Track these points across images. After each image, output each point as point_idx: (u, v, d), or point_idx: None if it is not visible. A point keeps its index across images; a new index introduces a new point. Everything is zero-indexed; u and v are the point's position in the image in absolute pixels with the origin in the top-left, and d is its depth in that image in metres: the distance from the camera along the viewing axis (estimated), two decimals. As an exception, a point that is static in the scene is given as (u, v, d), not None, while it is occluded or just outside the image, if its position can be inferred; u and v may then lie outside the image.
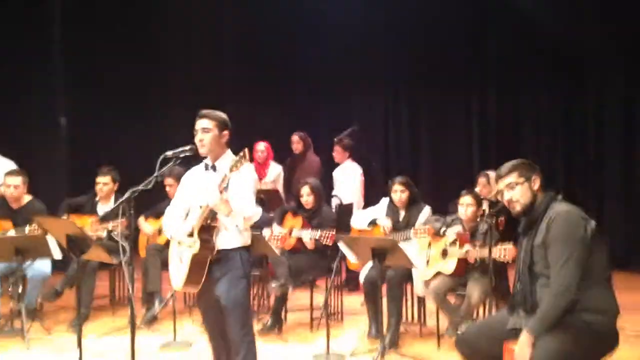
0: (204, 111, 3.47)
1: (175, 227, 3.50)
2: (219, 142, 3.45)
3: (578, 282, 2.82)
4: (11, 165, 6.37)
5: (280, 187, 6.99)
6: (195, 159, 3.52)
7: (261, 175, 7.05)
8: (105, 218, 3.74)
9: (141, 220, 5.74)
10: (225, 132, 3.48)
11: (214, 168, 3.46)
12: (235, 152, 3.35)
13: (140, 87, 8.51)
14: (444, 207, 5.47)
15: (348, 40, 8.33)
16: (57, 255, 5.02)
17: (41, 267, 5.32)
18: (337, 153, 6.83)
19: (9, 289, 5.14)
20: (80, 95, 8.29)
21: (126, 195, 3.21)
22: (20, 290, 4.95)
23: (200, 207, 3.35)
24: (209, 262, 3.38)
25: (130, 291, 3.24)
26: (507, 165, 3.14)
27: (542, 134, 7.84)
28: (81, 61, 8.29)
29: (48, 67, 8.08)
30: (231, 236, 3.40)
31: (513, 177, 3.07)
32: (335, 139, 6.68)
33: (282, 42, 8.52)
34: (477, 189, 5.50)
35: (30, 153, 7.75)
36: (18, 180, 5.47)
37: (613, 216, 7.34)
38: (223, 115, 3.50)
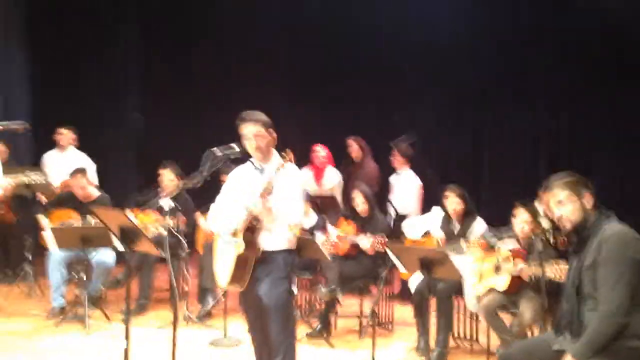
0: (244, 115, 3.49)
1: (220, 225, 3.57)
2: (267, 142, 3.49)
3: (628, 306, 2.68)
4: (85, 159, 6.74)
5: (339, 194, 6.98)
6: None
7: (319, 179, 7.01)
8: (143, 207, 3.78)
9: (198, 215, 5.86)
10: (271, 131, 3.52)
11: (261, 170, 3.51)
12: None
13: (209, 86, 8.78)
14: (505, 222, 5.30)
15: (410, 45, 8.23)
16: (120, 246, 5.24)
17: (105, 257, 5.57)
18: (395, 159, 6.72)
19: (75, 277, 5.42)
20: (152, 93, 8.69)
21: (176, 191, 3.31)
22: (84, 277, 5.21)
23: (246, 208, 3.40)
24: (253, 263, 3.44)
25: (174, 286, 3.32)
26: (557, 179, 3.00)
27: (613, 149, 7.46)
28: (154, 61, 8.68)
29: (124, 68, 8.50)
30: (275, 238, 3.44)
31: (564, 194, 2.96)
32: (392, 144, 6.59)
33: (342, 44, 8.49)
34: (538, 204, 5.29)
35: (104, 150, 8.18)
36: (83, 181, 5.75)
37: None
38: (265, 117, 3.52)
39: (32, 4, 7.81)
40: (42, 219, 5.74)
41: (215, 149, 3.53)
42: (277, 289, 3.44)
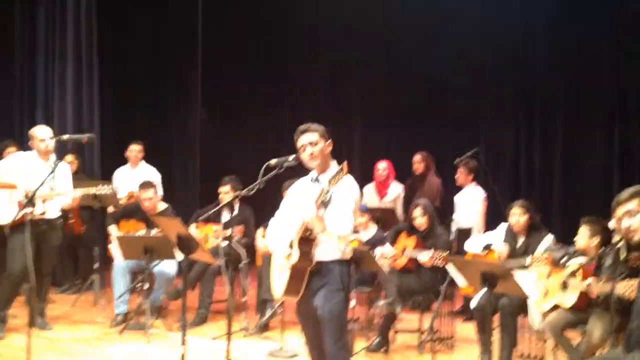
0: (304, 127, 3.48)
1: (277, 238, 3.57)
2: (325, 152, 3.48)
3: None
4: (154, 172, 6.93)
5: (400, 207, 6.92)
6: (301, 170, 3.58)
7: (381, 194, 7.03)
8: (207, 219, 3.85)
9: (257, 232, 5.91)
10: (329, 142, 3.49)
11: (317, 181, 3.49)
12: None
13: (272, 101, 8.94)
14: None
15: (477, 60, 8.12)
16: (181, 257, 5.34)
17: (167, 267, 5.70)
18: (461, 174, 6.58)
19: (137, 286, 5.55)
20: (215, 108, 8.93)
21: (228, 198, 3.34)
22: (147, 287, 5.34)
23: (302, 219, 3.39)
24: (309, 273, 3.42)
25: (229, 297, 3.33)
26: (629, 190, 2.90)
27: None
28: (216, 76, 8.88)
29: (187, 81, 8.77)
30: (330, 248, 3.40)
31: (634, 204, 2.82)
32: (457, 161, 6.46)
33: (411, 60, 8.49)
34: (612, 222, 5.05)
35: (168, 160, 8.44)
36: (150, 193, 5.90)
37: None
38: (323, 127, 3.50)
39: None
40: (113, 229, 5.93)
41: (271, 160, 3.54)
42: (332, 300, 3.39)
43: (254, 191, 3.36)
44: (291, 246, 3.42)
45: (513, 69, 8.13)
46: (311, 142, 3.45)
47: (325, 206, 3.27)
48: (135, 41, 8.67)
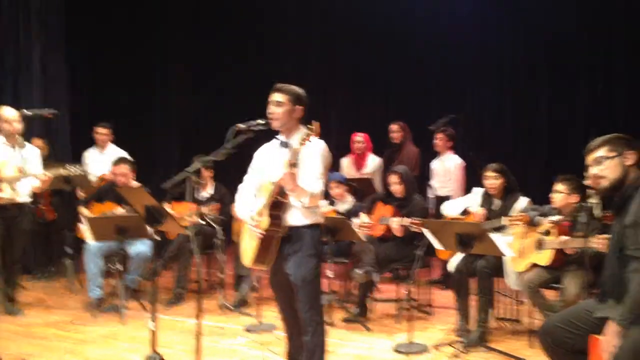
0: (279, 84, 3.41)
1: (246, 205, 3.49)
2: (291, 117, 3.38)
3: (674, 265, 2.47)
4: (123, 155, 6.77)
5: (378, 179, 6.86)
6: (269, 134, 3.49)
7: (360, 166, 6.98)
8: (170, 186, 3.73)
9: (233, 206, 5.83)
10: (299, 107, 3.39)
11: (286, 145, 3.41)
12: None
13: (251, 78, 8.80)
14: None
15: (454, 30, 8.04)
16: (156, 236, 5.24)
17: (142, 248, 5.59)
18: (440, 141, 6.52)
19: (112, 268, 5.45)
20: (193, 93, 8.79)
21: (194, 166, 3.23)
22: (121, 269, 5.23)
23: (272, 183, 3.32)
24: (280, 240, 3.35)
25: (198, 273, 3.24)
26: (598, 139, 2.85)
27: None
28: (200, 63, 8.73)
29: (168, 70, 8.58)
30: (302, 213, 3.34)
31: (602, 152, 2.77)
32: (432, 127, 6.40)
33: (385, 32, 8.39)
34: (587, 180, 5.03)
35: (146, 145, 8.29)
36: (124, 168, 5.77)
37: None
38: (298, 90, 3.42)
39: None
40: (84, 210, 5.80)
41: (239, 124, 3.44)
42: (305, 266, 3.33)
43: (222, 156, 3.25)
44: (261, 211, 3.34)
45: (492, 34, 8.04)
46: (278, 101, 3.37)
47: (296, 166, 3.20)
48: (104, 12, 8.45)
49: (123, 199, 5.60)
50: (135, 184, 5.95)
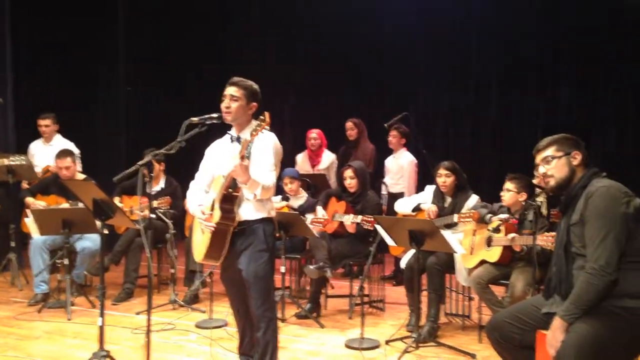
0: (235, 78, 3.37)
1: (198, 200, 3.44)
2: (245, 112, 3.35)
3: (617, 262, 2.54)
4: (70, 146, 6.58)
5: (333, 176, 6.87)
6: (222, 128, 3.45)
7: (314, 162, 6.98)
8: (120, 179, 3.62)
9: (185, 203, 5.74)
10: (253, 104, 3.37)
11: (238, 140, 3.37)
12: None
13: (204, 73, 8.68)
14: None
15: (410, 27, 8.11)
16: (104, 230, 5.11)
17: (89, 242, 5.46)
18: (394, 139, 6.58)
19: (57, 263, 5.29)
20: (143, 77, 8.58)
21: (146, 158, 3.16)
22: (66, 263, 5.08)
23: (223, 176, 3.28)
24: (232, 234, 3.31)
25: (149, 268, 3.17)
26: (546, 139, 2.91)
27: (611, 129, 7.31)
28: (140, 44, 8.54)
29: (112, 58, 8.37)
30: (253, 207, 3.31)
31: (550, 151, 2.83)
32: (386, 125, 6.45)
33: (340, 30, 8.40)
34: (535, 179, 5.16)
35: (93, 138, 8.07)
36: (67, 161, 5.58)
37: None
38: (254, 86, 3.39)
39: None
40: (31, 200, 5.61)
41: (193, 117, 3.37)
42: (257, 261, 3.31)
43: (174, 150, 3.18)
44: (213, 206, 3.30)
45: (445, 33, 8.12)
46: (233, 96, 3.33)
47: (247, 158, 3.16)
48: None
49: (68, 191, 5.47)
50: (81, 176, 5.79)
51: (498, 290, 4.31)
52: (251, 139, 3.12)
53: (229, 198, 3.27)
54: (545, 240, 3.77)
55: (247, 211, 3.31)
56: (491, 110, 8.03)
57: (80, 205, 5.24)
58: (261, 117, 3.13)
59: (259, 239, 3.33)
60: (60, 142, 6.65)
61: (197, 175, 3.56)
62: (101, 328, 3.45)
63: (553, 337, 2.61)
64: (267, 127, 3.14)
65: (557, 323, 2.61)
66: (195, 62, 8.95)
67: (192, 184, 3.56)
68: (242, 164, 3.09)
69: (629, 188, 2.69)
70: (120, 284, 5.63)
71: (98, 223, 4.86)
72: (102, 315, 3.43)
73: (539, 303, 2.90)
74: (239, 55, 8.94)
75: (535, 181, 4.52)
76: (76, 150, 6.61)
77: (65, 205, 5.51)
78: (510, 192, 4.31)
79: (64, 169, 5.54)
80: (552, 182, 2.80)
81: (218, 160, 3.43)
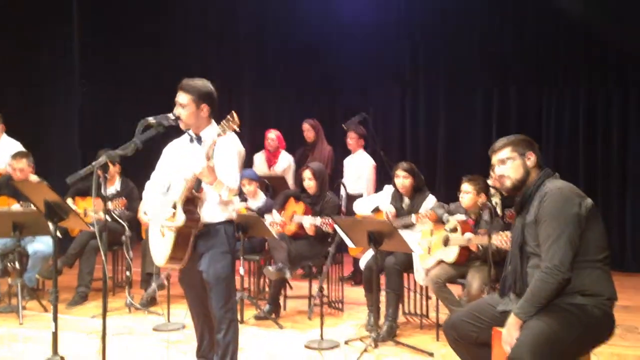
0: (183, 82, 3.29)
1: (155, 202, 3.39)
2: (197, 116, 3.28)
3: (570, 261, 2.62)
4: (17, 146, 6.38)
5: (290, 177, 6.88)
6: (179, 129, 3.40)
7: (271, 163, 6.98)
8: (74, 180, 3.52)
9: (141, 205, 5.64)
10: (204, 106, 3.28)
11: (198, 140, 3.33)
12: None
13: (154, 70, 8.55)
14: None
15: (364, 29, 8.16)
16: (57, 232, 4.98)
17: (43, 245, 5.32)
18: (352, 140, 6.62)
19: (8, 266, 5.13)
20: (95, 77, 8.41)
21: (100, 159, 3.09)
22: (17, 266, 4.93)
23: (185, 179, 3.24)
24: (194, 237, 3.28)
25: (103, 271, 3.10)
26: (502, 139, 2.97)
27: (563, 128, 7.53)
28: (96, 42, 8.37)
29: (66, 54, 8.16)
30: (217, 209, 3.29)
31: (506, 152, 2.90)
32: (344, 125, 6.49)
33: (297, 31, 8.40)
34: (490, 181, 5.27)
35: (46, 137, 7.86)
36: (23, 163, 5.45)
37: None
38: (203, 88, 3.30)
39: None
40: None
41: (149, 117, 3.31)
42: (218, 263, 3.28)
43: (130, 151, 3.12)
44: (174, 207, 3.25)
45: (398, 35, 8.22)
46: (181, 104, 3.28)
47: (212, 159, 3.14)
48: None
49: (20, 193, 5.31)
50: (34, 178, 5.64)
51: (455, 289, 4.39)
52: (218, 138, 3.09)
53: (192, 200, 3.24)
54: (501, 240, 3.86)
55: (211, 213, 3.29)
56: (443, 109, 8.14)
57: (33, 207, 5.13)
58: (229, 116, 3.09)
59: (220, 240, 3.31)
60: (7, 143, 6.44)
61: (153, 174, 3.51)
62: (54, 333, 3.37)
63: (508, 334, 2.68)
64: (237, 127, 3.11)
65: (512, 320, 2.68)
66: (151, 60, 8.80)
67: (147, 184, 3.51)
68: (209, 165, 3.07)
69: (580, 189, 2.79)
70: (74, 287, 5.49)
71: (50, 225, 4.78)
72: (55, 319, 3.36)
73: (495, 301, 2.96)
74: (196, 53, 8.83)
75: (490, 182, 4.65)
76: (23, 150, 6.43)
77: (16, 206, 5.36)
78: (469, 194, 4.38)
79: (18, 171, 5.39)
80: (507, 182, 2.87)
81: (176, 160, 3.39)
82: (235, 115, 3.09)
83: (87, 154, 7.82)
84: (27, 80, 8.12)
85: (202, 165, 3.08)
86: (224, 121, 3.11)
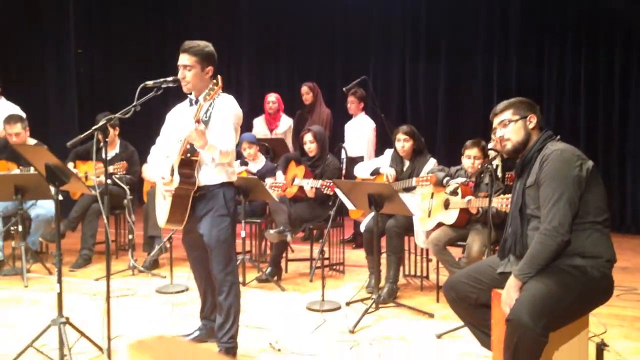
0: (186, 44, 3.27)
1: (158, 165, 3.40)
2: (202, 78, 3.28)
3: (570, 223, 2.62)
4: (15, 109, 6.35)
5: (290, 140, 6.86)
6: (180, 92, 3.38)
7: (272, 127, 6.95)
8: (74, 144, 3.49)
9: (144, 167, 5.67)
10: (209, 68, 3.29)
11: (197, 103, 3.32)
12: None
13: (153, 35, 8.46)
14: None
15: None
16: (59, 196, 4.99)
17: (45, 208, 5.34)
18: (352, 104, 6.59)
19: (11, 230, 5.17)
20: (92, 41, 8.30)
21: (101, 122, 3.08)
22: (20, 229, 4.96)
23: (180, 140, 3.24)
24: (193, 199, 3.29)
25: (106, 233, 3.12)
26: (504, 102, 2.95)
27: (564, 97, 7.47)
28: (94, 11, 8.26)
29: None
30: (214, 172, 3.29)
31: (507, 115, 2.88)
32: (345, 89, 6.45)
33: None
34: (491, 144, 5.26)
35: (43, 101, 7.81)
36: (18, 127, 5.40)
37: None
38: (206, 48, 3.30)
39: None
40: None
41: (148, 82, 3.29)
42: (219, 226, 3.29)
43: (129, 114, 3.11)
44: (172, 171, 3.26)
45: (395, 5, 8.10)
46: (186, 65, 3.26)
47: (206, 124, 3.13)
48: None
49: (19, 157, 5.31)
50: (31, 141, 5.62)
51: (455, 252, 4.42)
52: (204, 103, 3.08)
53: (188, 163, 3.24)
54: (501, 202, 3.87)
55: (207, 176, 3.29)
56: (444, 74, 8.06)
57: (33, 170, 5.12)
58: (214, 81, 3.09)
59: (219, 203, 3.31)
60: (5, 106, 6.42)
61: (158, 139, 3.52)
62: (59, 294, 3.40)
63: (507, 295, 2.70)
64: (220, 92, 3.10)
65: (512, 282, 2.70)
66: (149, 23, 8.70)
67: (153, 148, 3.52)
68: (197, 129, 3.06)
69: (581, 151, 2.78)
70: (77, 250, 5.54)
71: (52, 189, 4.79)
72: (59, 281, 3.38)
73: (495, 263, 2.98)
74: (195, 16, 8.73)
75: (491, 144, 4.63)
76: (21, 114, 6.40)
77: (16, 171, 5.36)
78: (478, 160, 4.36)
79: (14, 135, 5.36)
80: (508, 145, 2.86)
81: (178, 124, 3.38)
82: (220, 79, 3.08)
83: (84, 117, 7.82)
84: (24, 44, 8.02)
85: (191, 129, 3.08)
86: (209, 87, 3.10)
